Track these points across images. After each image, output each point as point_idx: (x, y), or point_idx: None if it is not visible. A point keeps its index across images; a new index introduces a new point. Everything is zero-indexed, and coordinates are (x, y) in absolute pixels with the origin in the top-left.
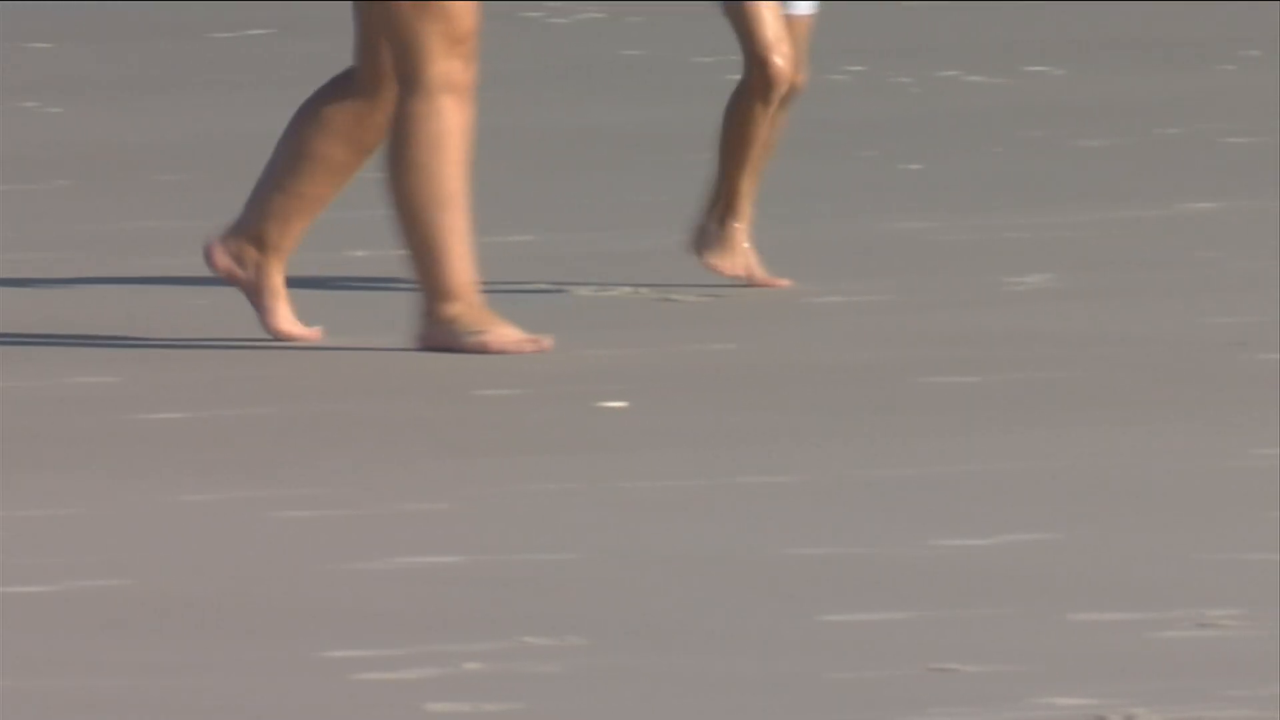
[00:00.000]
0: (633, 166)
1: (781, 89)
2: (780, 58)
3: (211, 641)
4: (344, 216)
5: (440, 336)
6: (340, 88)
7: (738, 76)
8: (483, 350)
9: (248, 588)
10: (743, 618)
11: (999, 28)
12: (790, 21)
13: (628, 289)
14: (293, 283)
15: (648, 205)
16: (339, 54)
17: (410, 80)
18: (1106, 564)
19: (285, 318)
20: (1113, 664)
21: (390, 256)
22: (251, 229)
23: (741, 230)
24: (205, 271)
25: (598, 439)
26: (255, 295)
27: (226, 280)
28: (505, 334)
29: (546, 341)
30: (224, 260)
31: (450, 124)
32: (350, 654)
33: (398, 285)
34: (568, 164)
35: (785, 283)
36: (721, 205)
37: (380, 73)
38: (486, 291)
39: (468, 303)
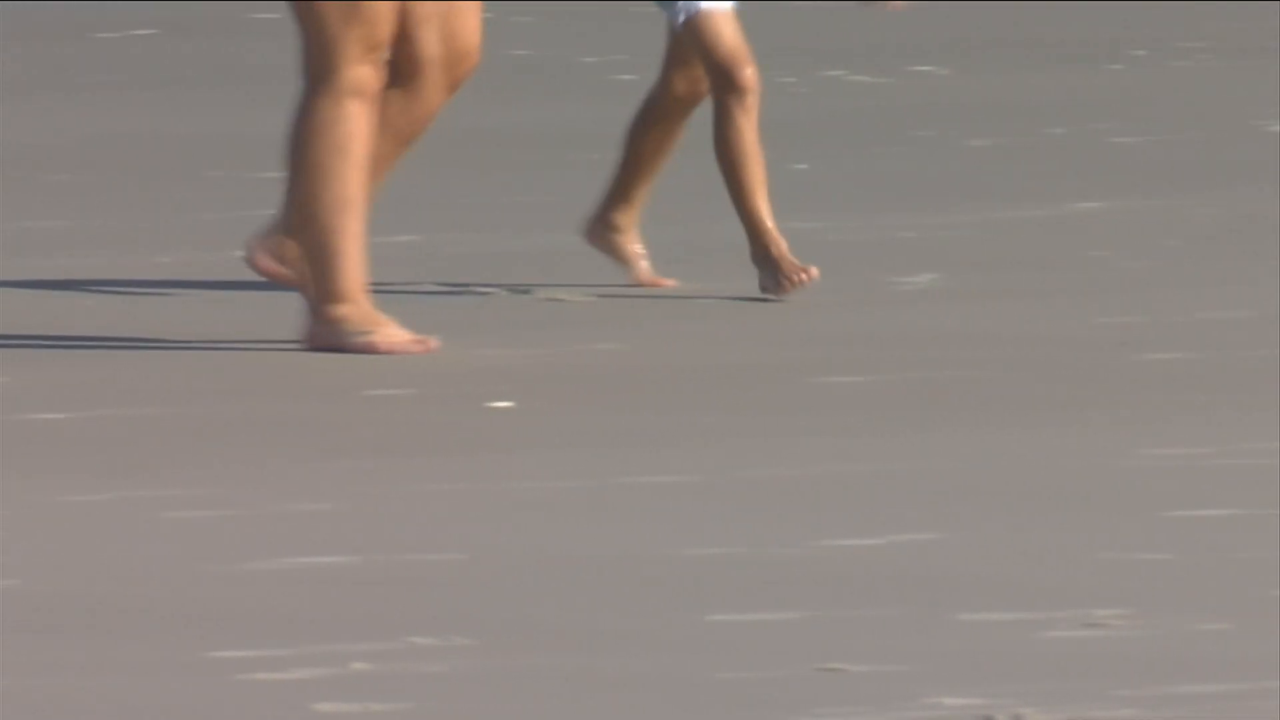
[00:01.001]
0: (519, 166)
1: (755, 95)
2: (749, 66)
3: (99, 641)
4: (231, 217)
5: (328, 336)
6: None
7: (626, 76)
8: (370, 351)
9: (136, 588)
10: (631, 617)
11: (883, 28)
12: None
13: (515, 289)
14: (182, 284)
15: (534, 205)
16: (222, 54)
17: (321, 80)
18: (995, 564)
19: None
20: (1001, 664)
21: None
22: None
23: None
24: (94, 271)
25: (485, 439)
26: (305, 290)
27: (272, 280)
28: (392, 335)
29: (433, 342)
30: (266, 261)
31: (356, 129)
32: (238, 654)
33: (285, 286)
34: (455, 164)
35: (669, 282)
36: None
37: (418, 62)
38: (374, 292)
39: (357, 304)
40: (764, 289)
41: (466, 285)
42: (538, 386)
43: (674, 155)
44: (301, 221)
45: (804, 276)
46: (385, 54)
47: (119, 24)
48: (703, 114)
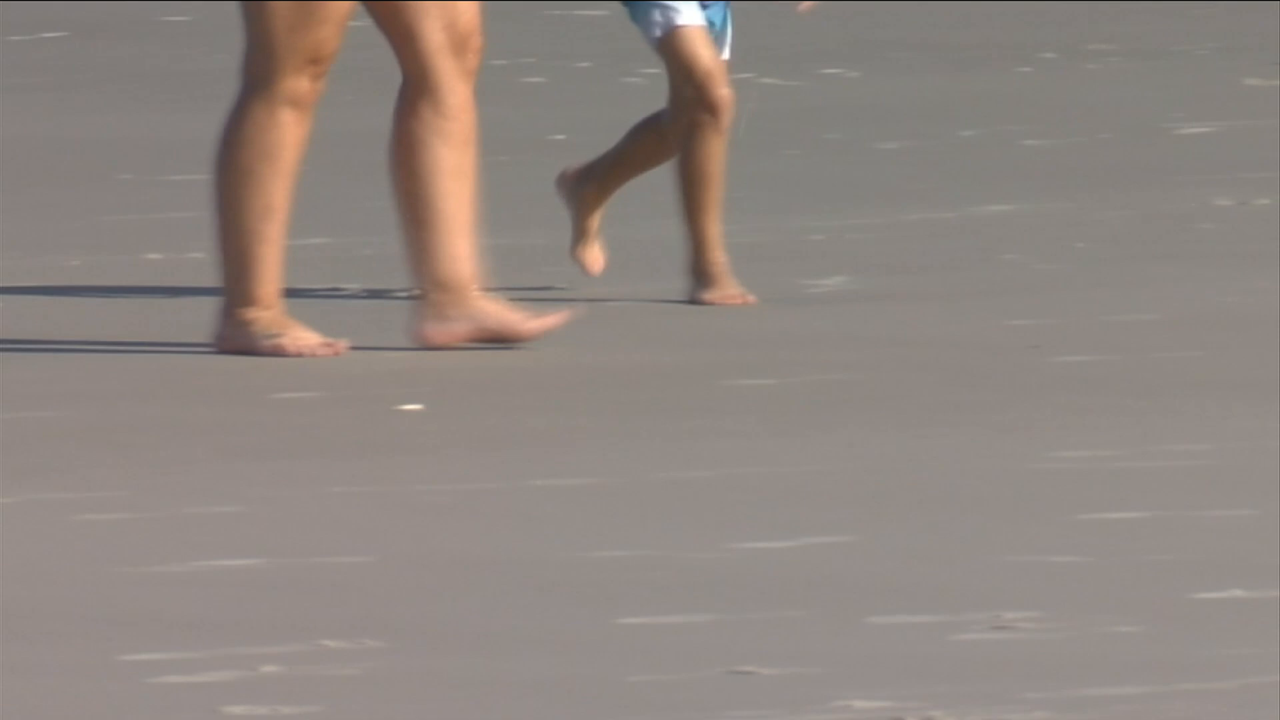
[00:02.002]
0: None
1: (728, 115)
2: (723, 85)
3: (8, 645)
4: (141, 219)
5: (238, 339)
6: (404, 104)
7: (534, 79)
8: (278, 353)
9: (45, 591)
10: (541, 620)
11: (793, 30)
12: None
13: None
14: (91, 288)
15: None
16: (132, 57)
17: (258, 85)
18: (905, 567)
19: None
20: (911, 666)
21: (186, 260)
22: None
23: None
24: (1, 274)
25: (394, 442)
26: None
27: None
28: (301, 338)
29: (342, 345)
30: (437, 333)
31: (287, 137)
32: (147, 657)
33: (195, 288)
34: (363, 167)
35: None
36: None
37: (425, 55)
38: (285, 295)
39: (268, 309)
40: (692, 299)
41: (377, 288)
42: (448, 389)
43: (584, 158)
44: (223, 223)
45: (738, 303)
46: (325, 69)
47: (28, 26)
48: (603, 117)
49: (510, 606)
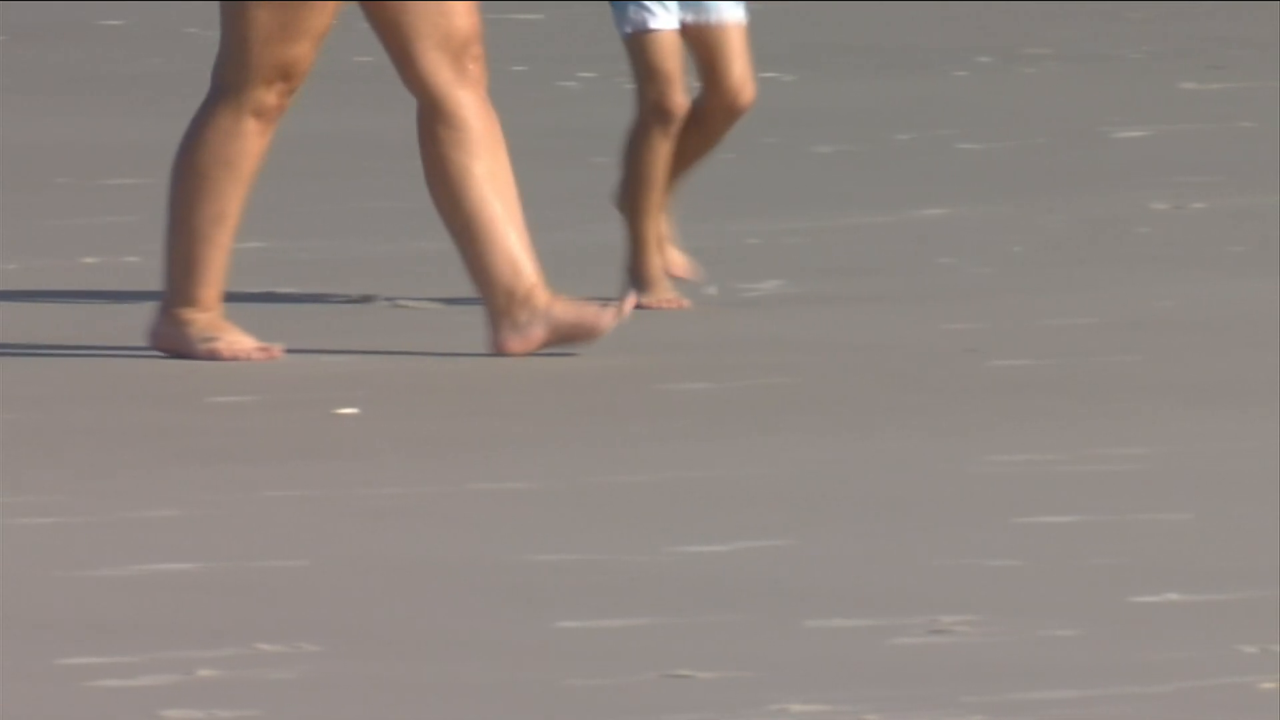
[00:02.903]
0: (366, 173)
1: (678, 123)
2: (680, 93)
3: None
4: (77, 224)
5: (173, 339)
6: (421, 129)
7: None
8: (213, 357)
9: None
10: (478, 624)
11: None
12: (726, 31)
13: (362, 296)
14: (27, 292)
15: (381, 212)
16: (69, 61)
17: (228, 91)
18: (842, 570)
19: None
20: (848, 670)
21: (123, 264)
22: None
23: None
24: None
25: (331, 446)
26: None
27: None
28: (237, 342)
29: (278, 349)
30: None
31: (249, 147)
32: (84, 661)
33: (131, 293)
34: (299, 171)
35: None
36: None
37: (424, 88)
38: (221, 298)
39: (207, 313)
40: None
41: (313, 292)
42: (384, 393)
43: (517, 163)
44: (173, 222)
45: (673, 307)
46: (295, 87)
47: None
48: (537, 120)
49: (447, 610)
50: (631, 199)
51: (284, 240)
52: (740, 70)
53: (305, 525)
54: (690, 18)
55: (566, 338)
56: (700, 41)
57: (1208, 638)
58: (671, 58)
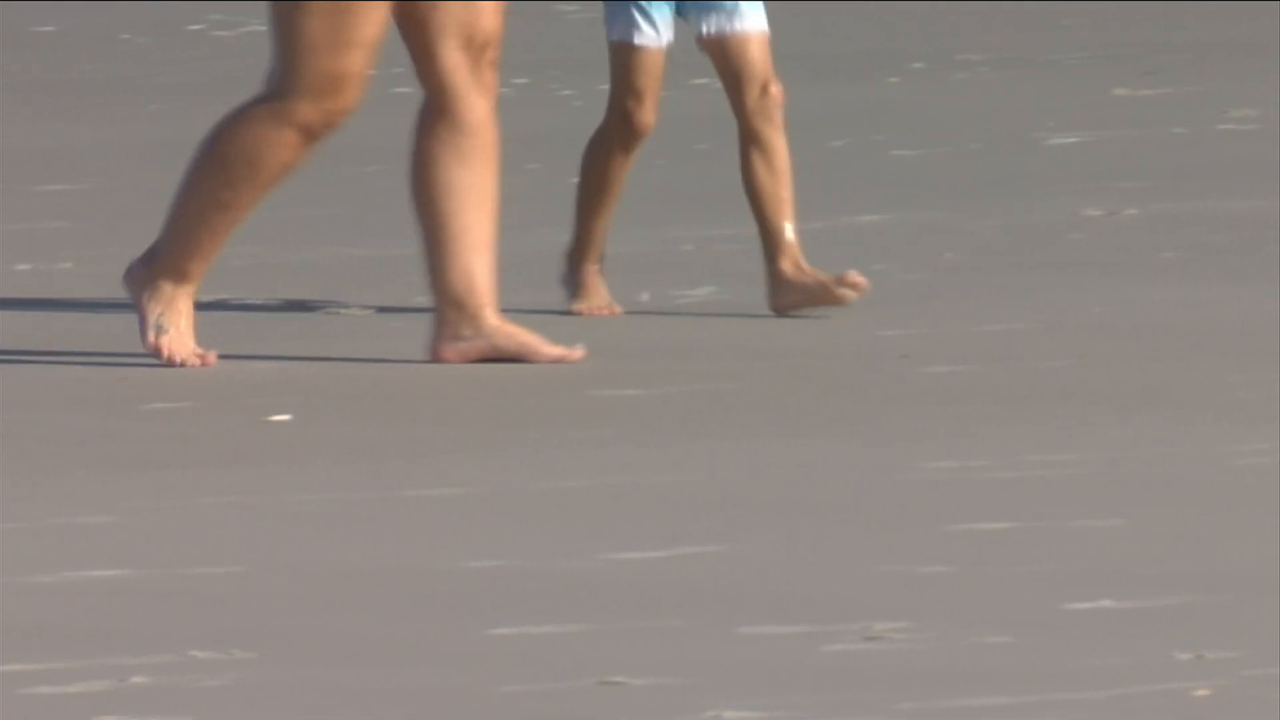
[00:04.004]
0: (300, 179)
1: (643, 140)
2: (649, 113)
3: None
4: (9, 230)
5: (138, 295)
6: (423, 122)
7: (404, 89)
8: (153, 350)
9: None
10: (412, 630)
11: None
12: (748, 40)
13: (295, 302)
14: None
15: (315, 218)
16: (5, 68)
17: (273, 97)
18: (776, 577)
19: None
20: (782, 676)
21: (56, 270)
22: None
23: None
24: None
25: (265, 452)
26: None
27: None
28: (180, 343)
29: (212, 356)
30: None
31: (281, 158)
32: (18, 668)
33: (65, 300)
34: None
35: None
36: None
37: (442, 74)
38: None
39: (179, 292)
40: (565, 309)
41: (247, 299)
42: (317, 399)
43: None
44: (180, 191)
45: (607, 314)
46: (343, 107)
47: None
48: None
49: (381, 617)
50: (580, 202)
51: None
52: (765, 70)
53: (239, 532)
54: (711, 29)
55: (503, 358)
56: (722, 53)
57: (1141, 644)
58: (649, 75)
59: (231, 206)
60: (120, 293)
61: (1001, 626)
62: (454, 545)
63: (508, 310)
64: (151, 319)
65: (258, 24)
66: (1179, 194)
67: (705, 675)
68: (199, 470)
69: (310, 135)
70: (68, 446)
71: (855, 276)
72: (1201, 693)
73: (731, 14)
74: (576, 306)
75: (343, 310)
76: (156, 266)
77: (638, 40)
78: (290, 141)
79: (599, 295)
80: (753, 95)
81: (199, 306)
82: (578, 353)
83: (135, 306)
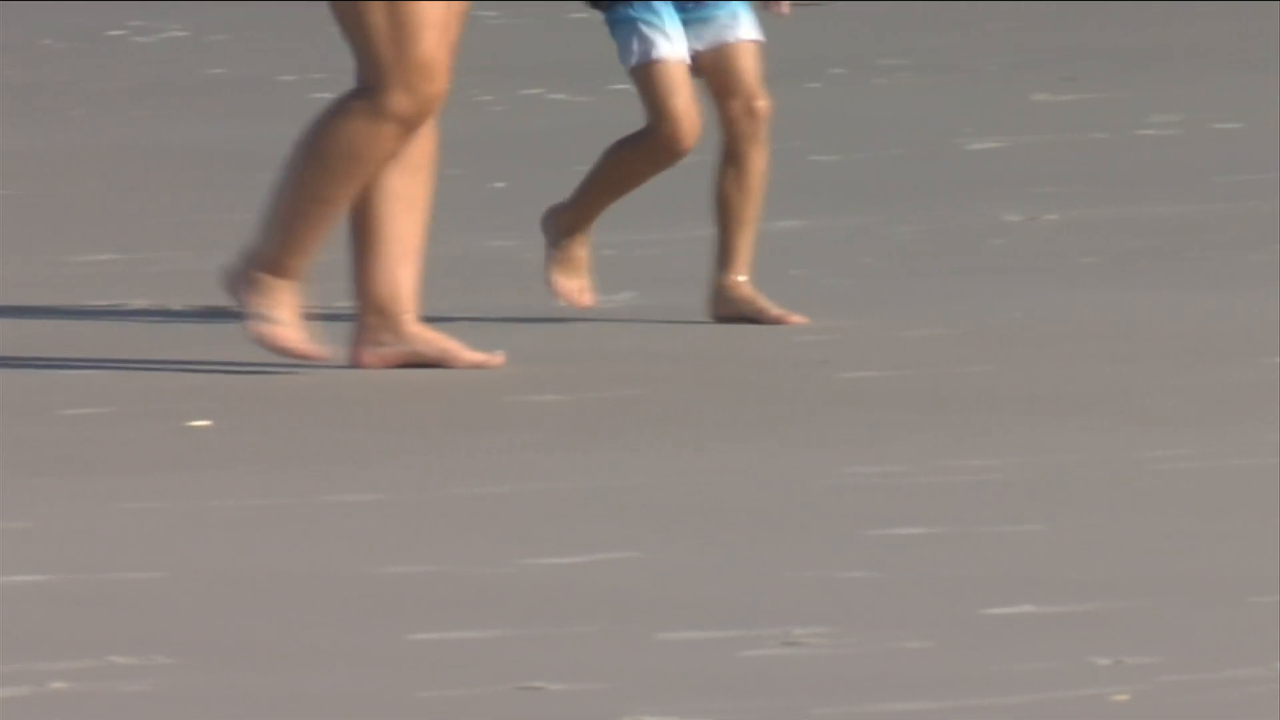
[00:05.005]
0: (217, 185)
1: (677, 162)
2: (687, 131)
3: None
4: None
5: (239, 292)
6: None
7: (323, 94)
8: (265, 340)
9: None
10: (331, 636)
11: (582, 46)
12: (741, 50)
13: (215, 308)
14: None
15: (234, 224)
16: None
17: (367, 92)
18: (695, 582)
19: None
20: (701, 682)
21: None
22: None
23: (724, 275)
24: None
25: (184, 458)
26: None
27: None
28: (289, 333)
29: (324, 350)
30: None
31: (382, 149)
32: None
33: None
34: (153, 182)
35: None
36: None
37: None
38: (74, 313)
39: (285, 287)
40: (548, 275)
41: (165, 305)
42: (236, 405)
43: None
44: (285, 197)
45: (579, 299)
46: (437, 91)
47: None
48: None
49: (300, 622)
50: (589, 184)
51: (137, 252)
52: (753, 84)
53: (158, 537)
54: (707, 43)
55: (423, 364)
56: (714, 63)
57: (1061, 649)
58: (680, 90)
59: (332, 201)
60: (38, 298)
61: (921, 631)
62: (373, 551)
63: (428, 316)
64: (259, 311)
65: (178, 29)
66: (1099, 199)
67: (623, 681)
68: (118, 476)
69: (408, 125)
70: None
71: (793, 318)
72: (1121, 698)
73: (728, 25)
74: (557, 278)
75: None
76: (258, 264)
77: (657, 55)
78: (389, 134)
79: (579, 277)
80: (739, 108)
81: (120, 310)
82: (497, 358)
83: (237, 304)
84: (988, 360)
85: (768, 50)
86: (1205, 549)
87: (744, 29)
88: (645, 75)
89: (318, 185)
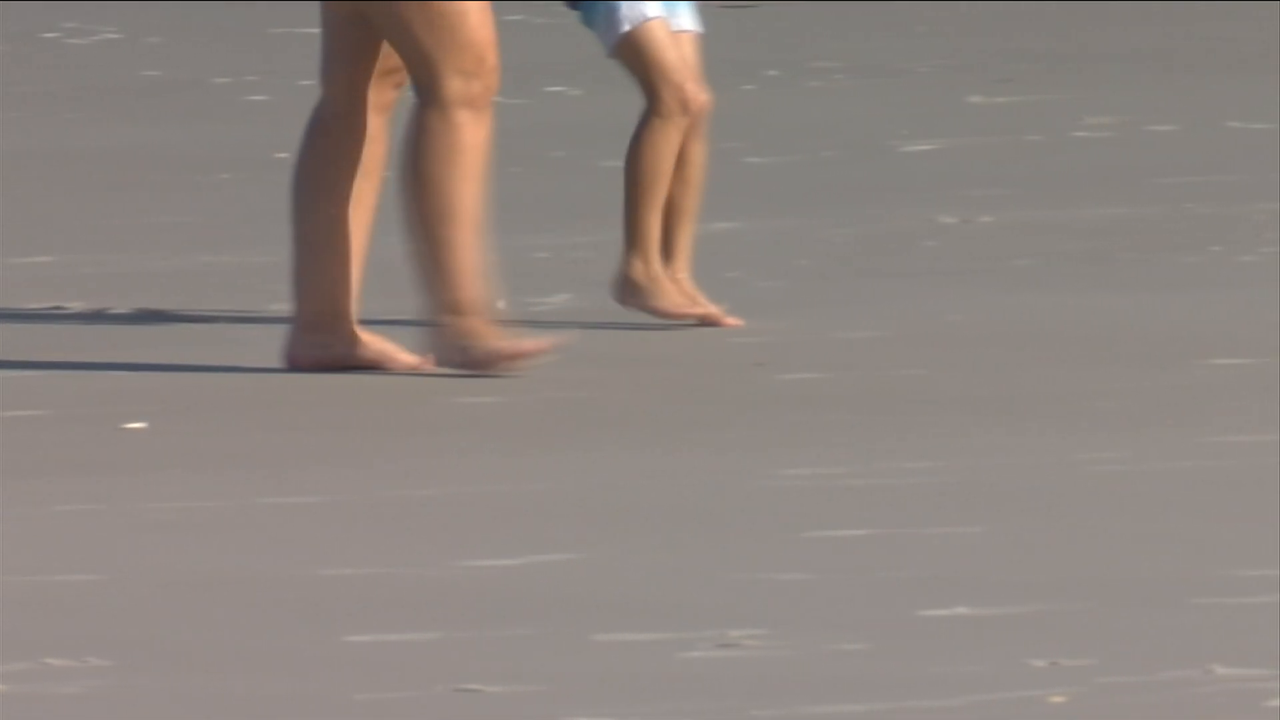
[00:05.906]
0: (153, 187)
1: (698, 120)
2: (692, 83)
3: None
4: None
5: (458, 357)
6: (318, 125)
7: (257, 97)
8: (494, 370)
9: None
10: (268, 638)
11: (516, 49)
12: (680, 41)
13: (150, 310)
14: None
15: (167, 226)
16: None
17: (426, 93)
18: (631, 584)
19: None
20: (637, 684)
21: None
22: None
23: (667, 269)
24: None
25: (120, 460)
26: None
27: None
28: (506, 346)
29: (549, 341)
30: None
31: (466, 139)
32: None
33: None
34: (87, 185)
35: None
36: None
37: (353, 90)
38: (7, 316)
39: (476, 316)
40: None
41: (100, 307)
42: (172, 407)
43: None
44: (414, 234)
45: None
46: (491, 64)
47: None
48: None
49: (236, 624)
50: (637, 198)
51: (71, 254)
52: (694, 78)
53: (94, 540)
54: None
55: (360, 366)
56: None
57: (997, 651)
58: (674, 49)
59: (465, 209)
60: None
61: (857, 633)
62: (309, 553)
63: (362, 319)
64: (485, 351)
65: (111, 32)
66: (1034, 202)
67: (560, 683)
68: (53, 478)
69: (479, 104)
70: None
71: (728, 320)
72: (1056, 700)
73: (670, 13)
74: (658, 306)
75: (199, 317)
76: (448, 315)
77: (648, 14)
78: (467, 120)
79: (671, 295)
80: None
81: (54, 314)
82: (432, 361)
83: (466, 367)
84: (923, 363)
85: (705, 51)
86: (1141, 552)
87: (683, 19)
88: (638, 39)
89: (443, 205)
